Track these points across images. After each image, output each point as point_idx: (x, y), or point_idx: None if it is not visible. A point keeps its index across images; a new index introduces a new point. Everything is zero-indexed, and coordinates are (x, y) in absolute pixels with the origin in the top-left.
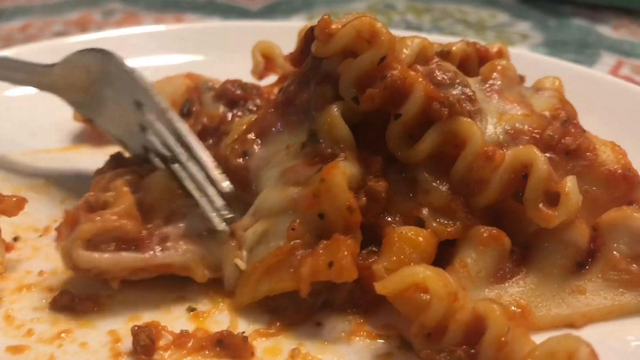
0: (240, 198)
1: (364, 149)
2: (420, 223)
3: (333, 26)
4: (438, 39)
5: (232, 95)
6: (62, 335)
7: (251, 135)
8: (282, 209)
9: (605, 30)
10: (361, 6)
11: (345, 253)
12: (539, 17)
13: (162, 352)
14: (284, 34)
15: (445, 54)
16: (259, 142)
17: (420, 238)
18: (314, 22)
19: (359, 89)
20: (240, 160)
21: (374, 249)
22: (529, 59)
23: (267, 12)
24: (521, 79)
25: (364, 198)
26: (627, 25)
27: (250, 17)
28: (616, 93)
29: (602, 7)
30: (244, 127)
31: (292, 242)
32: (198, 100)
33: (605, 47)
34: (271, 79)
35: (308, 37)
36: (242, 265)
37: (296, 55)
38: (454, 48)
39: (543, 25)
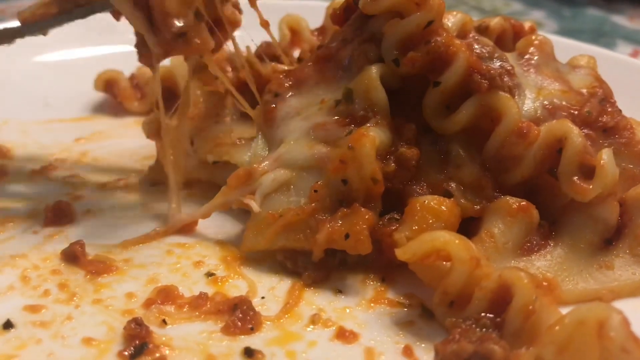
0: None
1: (399, 116)
2: (449, 196)
3: None
4: None
5: (274, 52)
6: (80, 296)
7: (287, 82)
8: (307, 165)
9: (621, 20)
10: None
11: (364, 226)
12: (553, 6)
13: (176, 311)
14: (308, 12)
15: (483, 29)
16: (294, 90)
17: (443, 207)
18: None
19: (401, 51)
20: (271, 97)
21: (395, 216)
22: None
23: None
24: None
25: (393, 164)
26: None
27: None
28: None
29: None
30: (281, 75)
31: (313, 204)
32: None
33: (620, 37)
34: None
35: None
36: (255, 207)
37: (339, 13)
38: (492, 23)
39: (558, 14)
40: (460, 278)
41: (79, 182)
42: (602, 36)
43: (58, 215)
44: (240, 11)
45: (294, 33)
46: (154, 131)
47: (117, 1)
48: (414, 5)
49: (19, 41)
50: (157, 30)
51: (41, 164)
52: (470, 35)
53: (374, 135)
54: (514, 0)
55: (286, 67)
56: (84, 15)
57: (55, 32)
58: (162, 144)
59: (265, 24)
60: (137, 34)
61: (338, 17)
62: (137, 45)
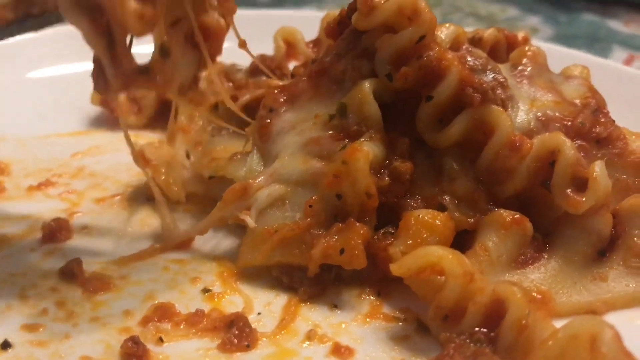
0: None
1: (392, 130)
2: (443, 209)
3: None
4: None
5: (269, 67)
6: (77, 314)
7: (281, 97)
8: (302, 180)
9: (616, 25)
10: None
11: (359, 241)
12: (549, 11)
13: (173, 328)
14: (303, 23)
15: (476, 41)
16: (288, 105)
17: (437, 221)
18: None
19: (394, 66)
20: (265, 112)
21: (390, 230)
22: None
23: (277, 4)
24: None
25: (387, 178)
26: (638, 20)
27: (259, 9)
28: (633, 84)
29: (613, 2)
30: (275, 90)
31: (308, 219)
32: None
33: (616, 42)
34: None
35: (350, 10)
36: (251, 223)
37: (333, 27)
38: (485, 34)
39: (553, 19)
40: (453, 292)
41: (76, 198)
42: (598, 41)
43: (55, 232)
44: (229, 14)
45: (290, 45)
46: (142, 163)
47: (74, 20)
48: (406, 20)
49: (15, 57)
50: (117, 61)
51: (38, 180)
52: (464, 47)
53: (367, 149)
54: (509, 6)
55: (280, 82)
56: (37, 27)
57: (51, 47)
58: (153, 169)
59: (242, 44)
60: (95, 61)
61: (332, 30)
62: (93, 74)
